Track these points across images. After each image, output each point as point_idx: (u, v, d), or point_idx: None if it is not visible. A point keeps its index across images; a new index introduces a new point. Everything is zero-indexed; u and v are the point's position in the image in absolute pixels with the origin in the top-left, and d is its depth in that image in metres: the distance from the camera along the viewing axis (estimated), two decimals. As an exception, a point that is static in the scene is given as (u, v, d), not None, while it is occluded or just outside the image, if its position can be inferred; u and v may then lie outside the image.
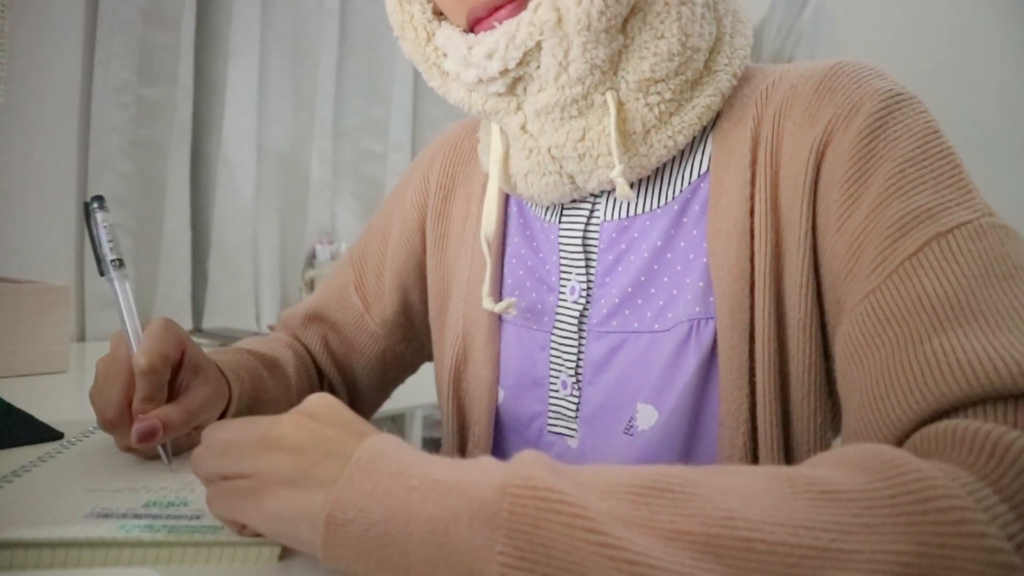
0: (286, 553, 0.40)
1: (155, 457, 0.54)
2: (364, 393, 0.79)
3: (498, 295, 0.65)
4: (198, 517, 0.41)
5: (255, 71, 1.81)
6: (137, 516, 0.41)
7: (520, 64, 0.52)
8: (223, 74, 1.74)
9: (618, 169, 0.53)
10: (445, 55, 0.56)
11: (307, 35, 1.94)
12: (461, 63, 0.54)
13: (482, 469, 0.35)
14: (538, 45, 0.51)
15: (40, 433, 0.60)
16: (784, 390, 0.51)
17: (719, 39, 0.56)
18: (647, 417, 0.55)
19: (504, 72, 0.53)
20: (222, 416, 0.59)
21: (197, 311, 1.80)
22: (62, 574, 0.37)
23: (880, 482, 0.32)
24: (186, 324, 1.80)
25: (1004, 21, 1.76)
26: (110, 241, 0.54)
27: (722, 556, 0.30)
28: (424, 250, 0.73)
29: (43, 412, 0.63)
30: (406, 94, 2.14)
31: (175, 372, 0.54)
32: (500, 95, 0.55)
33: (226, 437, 0.40)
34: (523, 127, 0.56)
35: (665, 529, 0.31)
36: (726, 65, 0.55)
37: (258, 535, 0.39)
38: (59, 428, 0.61)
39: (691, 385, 0.53)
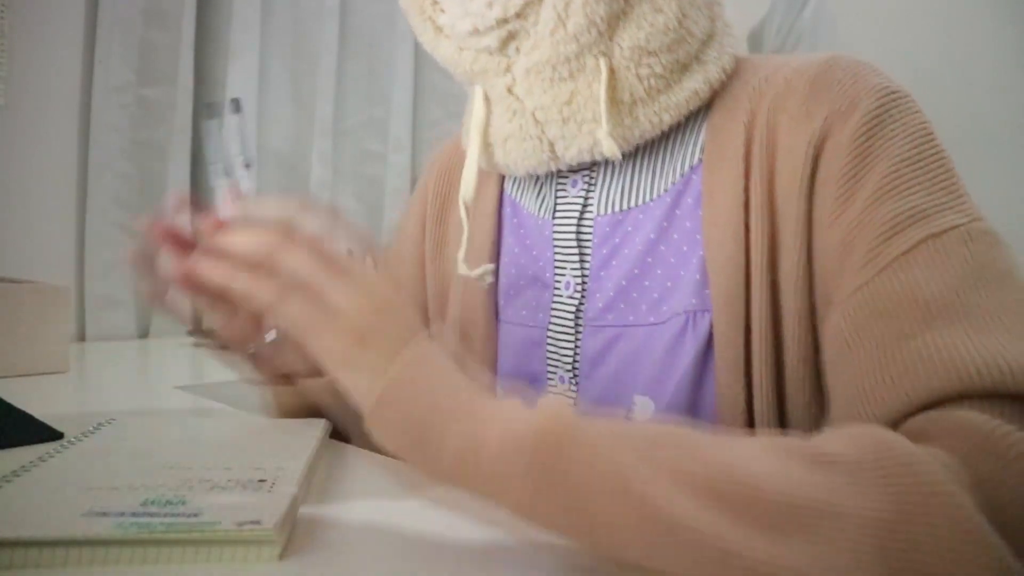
0: (286, 553, 0.40)
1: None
2: None
3: (494, 295, 0.65)
4: (196, 515, 0.41)
5: (255, 71, 1.80)
6: (135, 514, 0.41)
7: (519, 16, 0.53)
8: (223, 74, 1.74)
9: (605, 129, 0.53)
10: (443, 11, 0.57)
11: (307, 35, 1.94)
12: (459, 11, 0.55)
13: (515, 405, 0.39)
14: None
15: (40, 433, 0.60)
16: (780, 382, 0.52)
17: (711, 35, 0.57)
18: (644, 409, 0.56)
19: (502, 21, 0.54)
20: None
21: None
22: (60, 573, 0.37)
23: (871, 453, 0.35)
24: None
25: (1003, 21, 1.76)
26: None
27: (724, 498, 0.33)
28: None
29: (43, 412, 0.63)
30: (406, 94, 2.14)
31: None
32: (491, 53, 0.56)
33: (329, 252, 0.43)
34: (509, 89, 0.57)
35: (670, 469, 0.34)
36: (716, 58, 0.56)
37: (257, 531, 0.39)
38: (59, 428, 0.61)
39: (687, 377, 0.53)
